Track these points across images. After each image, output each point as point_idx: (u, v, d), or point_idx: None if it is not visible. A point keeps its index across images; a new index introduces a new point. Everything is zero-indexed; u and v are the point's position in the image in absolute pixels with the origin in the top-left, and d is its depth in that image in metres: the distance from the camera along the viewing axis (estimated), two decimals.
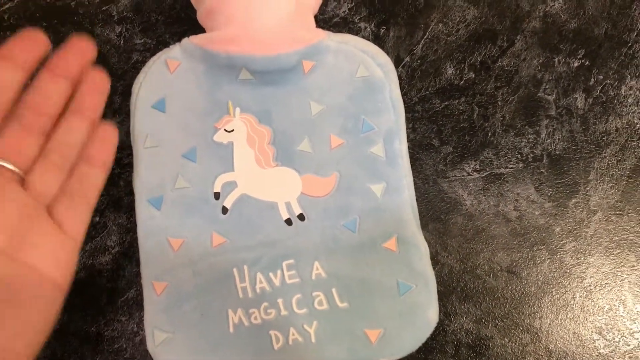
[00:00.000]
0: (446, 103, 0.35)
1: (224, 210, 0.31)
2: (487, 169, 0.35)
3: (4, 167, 0.27)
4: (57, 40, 0.30)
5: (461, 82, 0.36)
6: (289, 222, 0.31)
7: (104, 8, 0.36)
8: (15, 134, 0.28)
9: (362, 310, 0.30)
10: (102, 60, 0.35)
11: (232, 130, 0.31)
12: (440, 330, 0.33)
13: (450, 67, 0.35)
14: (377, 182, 0.31)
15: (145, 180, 0.32)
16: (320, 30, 0.32)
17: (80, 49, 0.29)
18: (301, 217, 0.31)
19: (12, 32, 0.33)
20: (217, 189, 0.31)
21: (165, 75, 0.32)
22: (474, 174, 0.35)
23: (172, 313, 0.31)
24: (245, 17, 0.30)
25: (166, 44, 0.35)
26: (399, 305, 0.30)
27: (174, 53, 0.32)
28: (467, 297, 0.33)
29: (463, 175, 0.35)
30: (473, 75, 0.36)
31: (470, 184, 0.35)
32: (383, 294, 0.30)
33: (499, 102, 0.36)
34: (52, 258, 0.28)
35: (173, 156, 0.32)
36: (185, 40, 0.32)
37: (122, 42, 0.36)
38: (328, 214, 0.31)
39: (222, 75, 0.32)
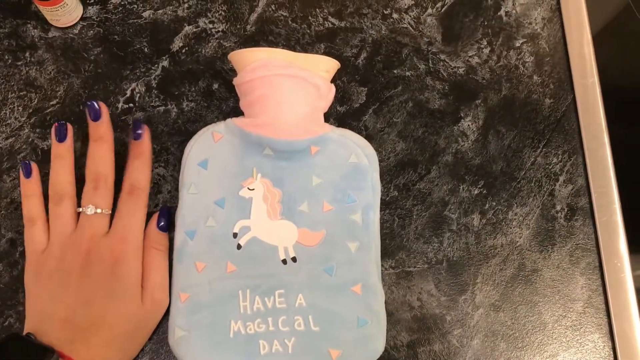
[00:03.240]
0: None
1: (239, 246, 0.39)
2: (400, 267, 0.42)
3: (105, 214, 0.39)
4: (85, 133, 0.40)
5: (387, 198, 0.43)
6: (284, 262, 0.39)
7: (123, 118, 0.44)
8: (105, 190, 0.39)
9: (329, 334, 0.38)
10: (118, 158, 0.40)
11: (253, 189, 0.40)
12: None
13: (380, 186, 0.41)
14: (353, 241, 0.39)
15: (185, 217, 0.40)
16: (327, 124, 0.41)
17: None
18: (294, 259, 0.39)
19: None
20: (235, 230, 0.39)
21: (210, 143, 0.41)
22: (390, 269, 0.42)
23: (190, 317, 0.38)
24: (274, 112, 0.39)
25: (168, 150, 0.43)
26: (356, 335, 0.38)
27: (219, 128, 0.41)
28: None
29: (382, 270, 0.41)
30: (396, 194, 0.43)
31: (386, 277, 0.42)
32: (346, 325, 0.38)
33: (414, 216, 0.43)
34: (164, 286, 0.39)
35: (207, 202, 0.40)
36: (229, 120, 0.41)
37: None
38: (314, 259, 0.39)
39: (251, 149, 0.40)
